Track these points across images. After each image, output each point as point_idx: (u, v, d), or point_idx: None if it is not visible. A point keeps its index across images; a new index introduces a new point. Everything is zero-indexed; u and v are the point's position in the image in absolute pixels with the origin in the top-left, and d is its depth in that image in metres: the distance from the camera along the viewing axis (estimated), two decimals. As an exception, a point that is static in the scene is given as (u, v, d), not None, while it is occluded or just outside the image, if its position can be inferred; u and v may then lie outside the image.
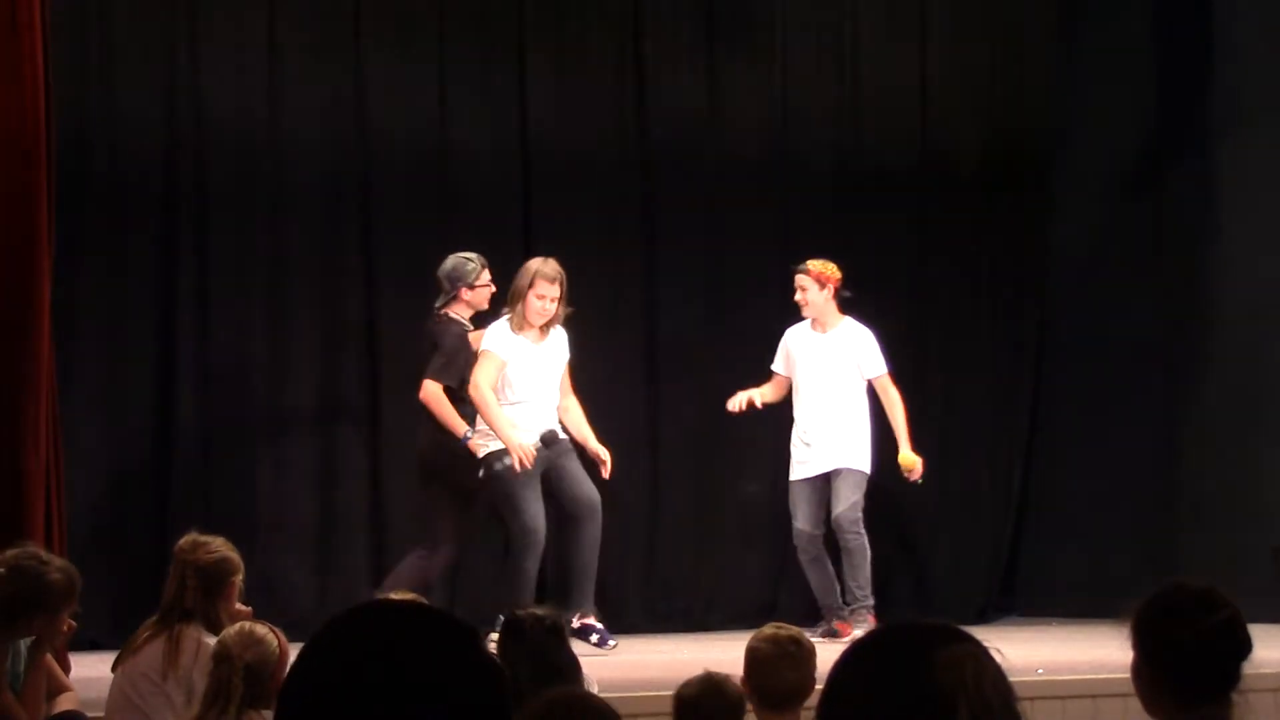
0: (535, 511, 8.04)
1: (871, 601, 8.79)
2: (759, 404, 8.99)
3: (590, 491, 8.18)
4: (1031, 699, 6.09)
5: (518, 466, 7.93)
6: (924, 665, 1.89)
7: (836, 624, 8.74)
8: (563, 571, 8.14)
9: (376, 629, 1.77)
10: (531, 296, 8.09)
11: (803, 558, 8.91)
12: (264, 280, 9.50)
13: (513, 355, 8.12)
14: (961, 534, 10.66)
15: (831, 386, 8.92)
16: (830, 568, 8.87)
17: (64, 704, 5.59)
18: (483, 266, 8.44)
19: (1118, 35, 10.77)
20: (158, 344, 9.29)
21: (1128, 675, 3.33)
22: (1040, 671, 6.96)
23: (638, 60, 10.29)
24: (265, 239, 9.54)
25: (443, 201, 9.87)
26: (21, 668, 5.31)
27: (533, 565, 8.03)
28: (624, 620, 9.30)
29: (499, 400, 8.11)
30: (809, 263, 8.95)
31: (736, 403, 8.96)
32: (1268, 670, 3.34)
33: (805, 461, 8.91)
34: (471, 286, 8.37)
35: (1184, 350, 10.31)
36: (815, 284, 8.91)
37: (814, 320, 8.97)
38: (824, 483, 8.88)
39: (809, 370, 8.95)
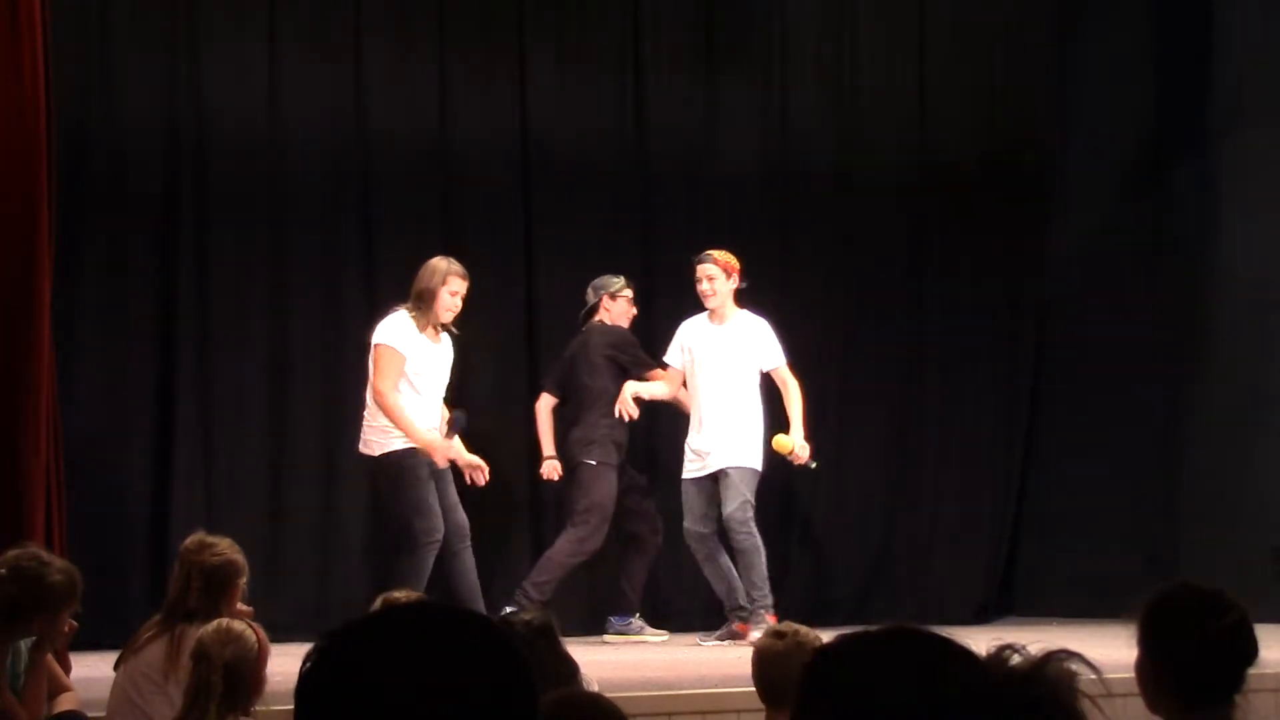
0: (438, 513, 8.19)
1: (770, 600, 8.75)
2: (646, 396, 9.01)
3: (460, 520, 8.29)
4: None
5: (441, 464, 8.22)
6: (904, 672, 1.89)
7: (737, 625, 8.74)
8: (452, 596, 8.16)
9: (404, 627, 1.77)
10: (444, 293, 8.30)
11: (697, 556, 8.91)
12: (264, 279, 9.50)
13: (414, 352, 8.26)
14: (961, 534, 10.66)
15: (727, 381, 8.89)
16: (726, 566, 8.85)
17: (64, 704, 5.59)
18: (627, 284, 9.16)
19: (1118, 35, 10.77)
20: (158, 344, 9.29)
21: (1127, 675, 3.33)
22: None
23: (638, 61, 10.30)
24: (265, 238, 9.54)
25: (442, 201, 9.88)
26: (22, 668, 5.30)
27: (430, 564, 8.13)
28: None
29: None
30: (712, 252, 8.96)
31: (627, 408, 8.94)
32: (1269, 670, 3.34)
33: (697, 460, 8.90)
34: (613, 296, 9.18)
35: (1184, 350, 10.31)
36: (723, 273, 8.92)
37: (711, 312, 8.96)
38: (712, 482, 8.89)
39: (707, 365, 8.93)
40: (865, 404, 10.48)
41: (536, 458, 9.61)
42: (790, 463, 8.98)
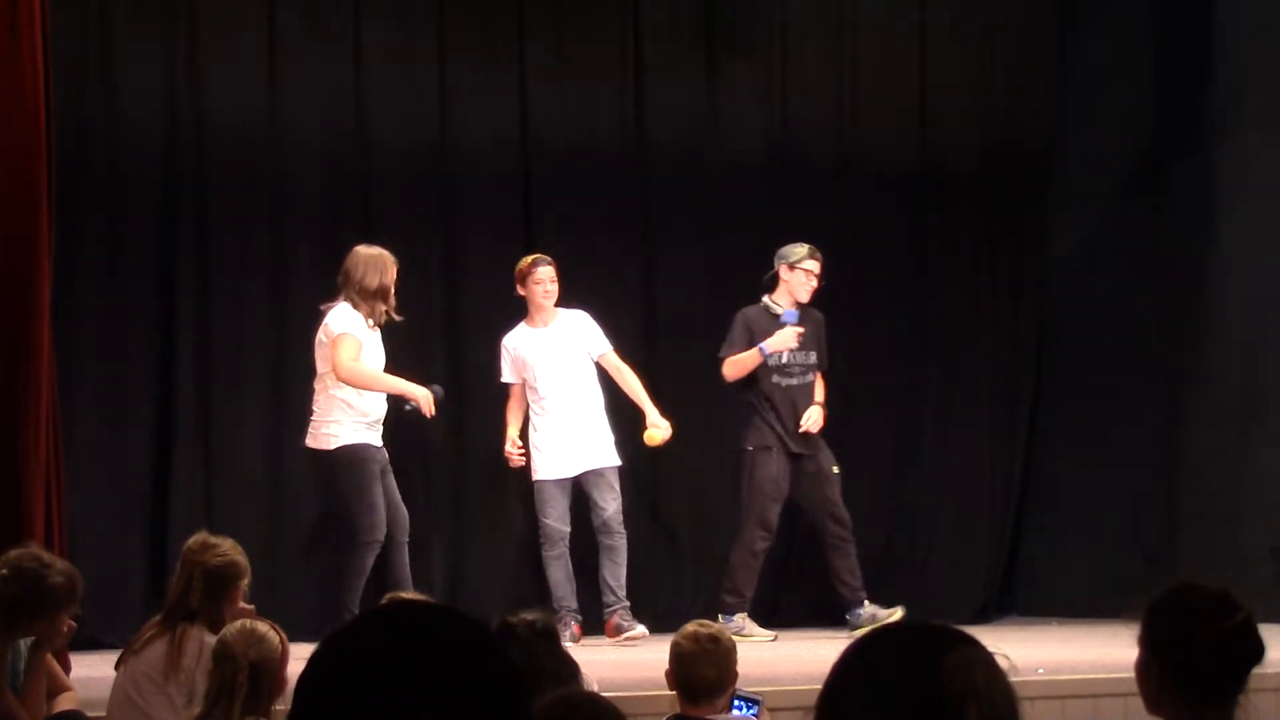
0: (383, 510, 8.11)
1: (628, 602, 8.88)
2: (518, 440, 9.01)
3: (405, 513, 8.26)
4: (1031, 699, 6.09)
5: (429, 410, 8.17)
6: (929, 667, 1.89)
7: (575, 627, 8.76)
8: (380, 585, 8.13)
9: (399, 629, 1.77)
10: (391, 286, 8.20)
11: (551, 553, 8.89)
12: (264, 279, 9.51)
13: (367, 346, 8.20)
14: (961, 533, 10.65)
15: (570, 381, 8.96)
16: (571, 566, 8.92)
17: (64, 703, 5.59)
18: (811, 255, 9.20)
19: (1118, 35, 10.77)
20: (158, 344, 9.30)
21: (1127, 675, 3.33)
22: (1040, 671, 6.96)
23: (638, 60, 10.30)
24: (265, 238, 9.55)
25: (443, 201, 9.88)
26: (21, 667, 5.30)
27: (369, 563, 8.08)
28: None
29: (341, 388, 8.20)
30: (544, 256, 9.03)
31: (516, 458, 8.98)
32: (1270, 670, 3.33)
33: (557, 461, 8.92)
34: (791, 266, 9.20)
35: (1184, 350, 10.31)
36: (556, 275, 9.00)
37: (534, 318, 9.01)
38: (572, 482, 8.95)
39: (544, 369, 8.97)
40: (865, 403, 10.46)
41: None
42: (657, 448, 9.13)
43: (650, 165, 10.27)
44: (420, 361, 9.04)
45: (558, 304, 9.05)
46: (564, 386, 8.97)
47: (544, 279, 8.94)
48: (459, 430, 9.77)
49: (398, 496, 8.28)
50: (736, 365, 9.18)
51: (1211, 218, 10.22)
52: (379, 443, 8.24)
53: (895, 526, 10.61)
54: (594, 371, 9.07)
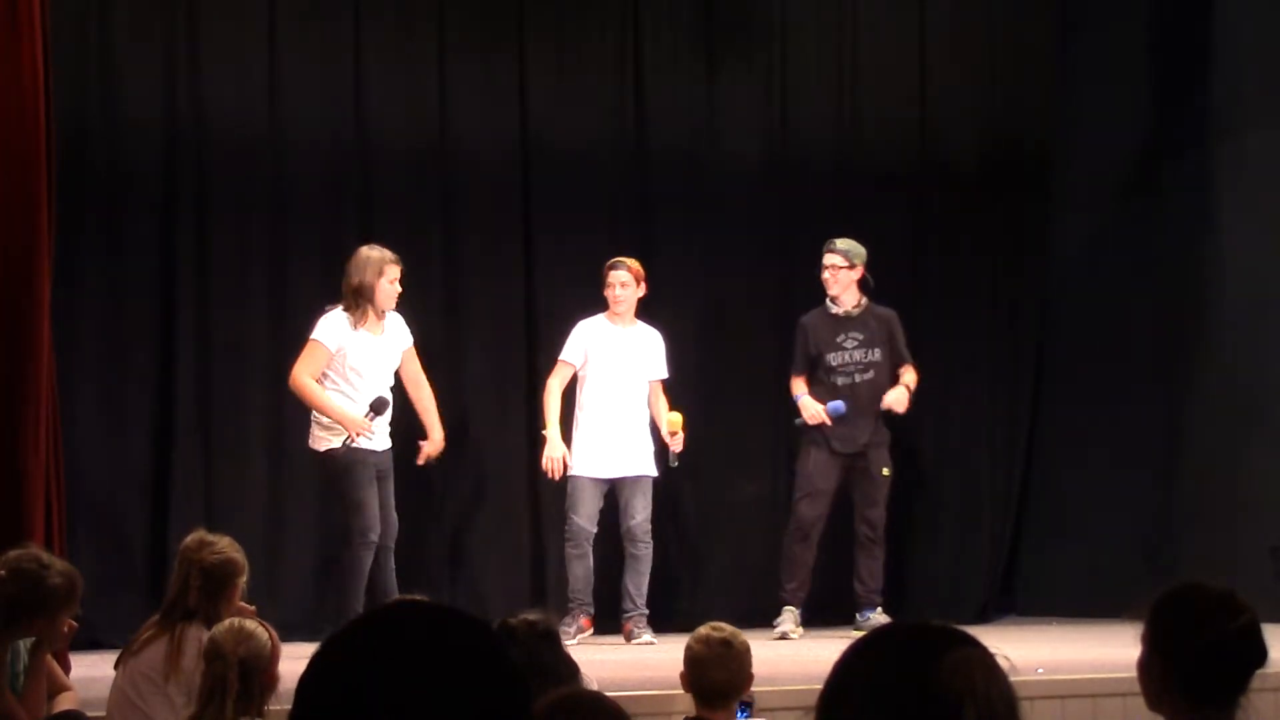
0: (373, 512, 8.11)
1: (646, 610, 8.99)
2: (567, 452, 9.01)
3: (392, 519, 8.27)
4: (1031, 699, 6.10)
5: (355, 437, 8.08)
6: (929, 667, 1.89)
7: (584, 620, 8.82)
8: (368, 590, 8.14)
9: (399, 629, 1.77)
10: (384, 284, 8.23)
11: (574, 551, 8.94)
12: (264, 280, 9.51)
13: (353, 348, 8.21)
14: (961, 534, 10.66)
15: (629, 384, 9.04)
16: (592, 565, 8.97)
17: (64, 703, 5.59)
18: (825, 250, 9.37)
19: (1117, 36, 10.78)
20: (157, 344, 9.30)
21: (1127, 675, 3.33)
22: (1040, 671, 6.96)
23: (638, 61, 10.30)
24: (265, 238, 9.54)
25: (443, 201, 9.88)
26: (21, 668, 5.30)
27: (368, 562, 8.07)
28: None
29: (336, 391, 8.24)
30: (625, 259, 9.07)
31: (559, 469, 8.99)
32: (1271, 670, 3.33)
33: (597, 460, 8.96)
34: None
35: (1184, 350, 10.31)
36: (634, 280, 9.05)
37: (612, 315, 9.07)
38: (608, 484, 9.00)
39: (608, 364, 9.02)
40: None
41: (536, 459, 9.63)
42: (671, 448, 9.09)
43: (650, 165, 10.27)
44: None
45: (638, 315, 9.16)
46: (614, 388, 9.01)
47: (614, 282, 9.03)
48: (460, 430, 9.77)
49: (391, 502, 8.30)
50: (796, 396, 9.36)
51: (1210, 218, 10.23)
52: (380, 446, 8.25)
53: (895, 527, 10.59)
54: (646, 388, 9.12)
